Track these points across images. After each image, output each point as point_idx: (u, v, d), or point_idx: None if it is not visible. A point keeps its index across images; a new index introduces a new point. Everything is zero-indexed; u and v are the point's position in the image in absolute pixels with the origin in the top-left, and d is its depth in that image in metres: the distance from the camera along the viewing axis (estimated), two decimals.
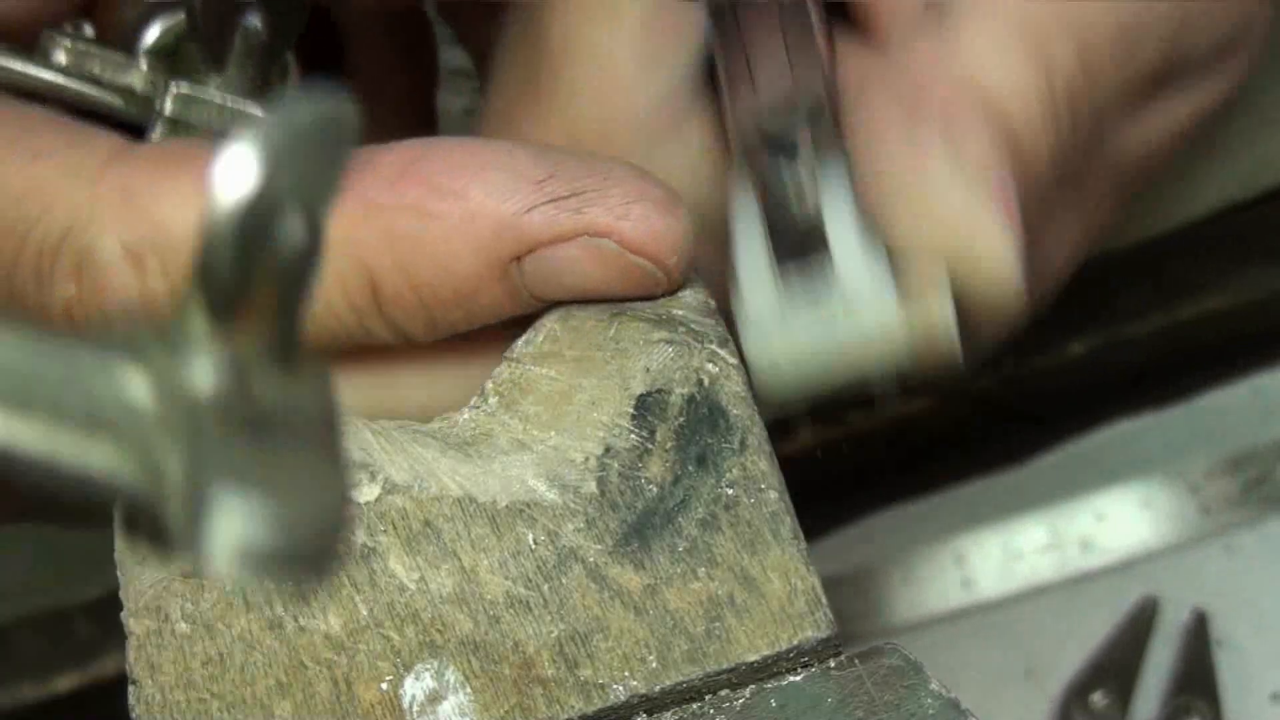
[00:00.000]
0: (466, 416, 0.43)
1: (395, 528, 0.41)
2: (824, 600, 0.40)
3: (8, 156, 0.43)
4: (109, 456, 0.27)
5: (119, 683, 0.41)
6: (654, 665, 0.40)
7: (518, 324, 0.44)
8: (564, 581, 0.41)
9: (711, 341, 0.43)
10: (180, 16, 0.48)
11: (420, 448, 0.42)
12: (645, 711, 0.39)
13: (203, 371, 0.27)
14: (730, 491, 0.41)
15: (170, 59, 0.49)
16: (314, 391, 0.29)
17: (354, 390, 0.44)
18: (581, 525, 0.41)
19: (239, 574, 0.26)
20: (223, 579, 0.39)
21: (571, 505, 0.41)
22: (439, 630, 0.40)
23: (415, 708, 0.40)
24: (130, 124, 0.48)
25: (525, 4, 0.47)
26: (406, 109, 0.59)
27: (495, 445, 0.43)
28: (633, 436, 0.42)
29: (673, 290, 0.44)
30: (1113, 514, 0.78)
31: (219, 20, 0.47)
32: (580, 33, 0.45)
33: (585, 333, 0.43)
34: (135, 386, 0.27)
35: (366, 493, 0.42)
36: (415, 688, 0.40)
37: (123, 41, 0.49)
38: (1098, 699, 0.73)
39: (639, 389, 0.43)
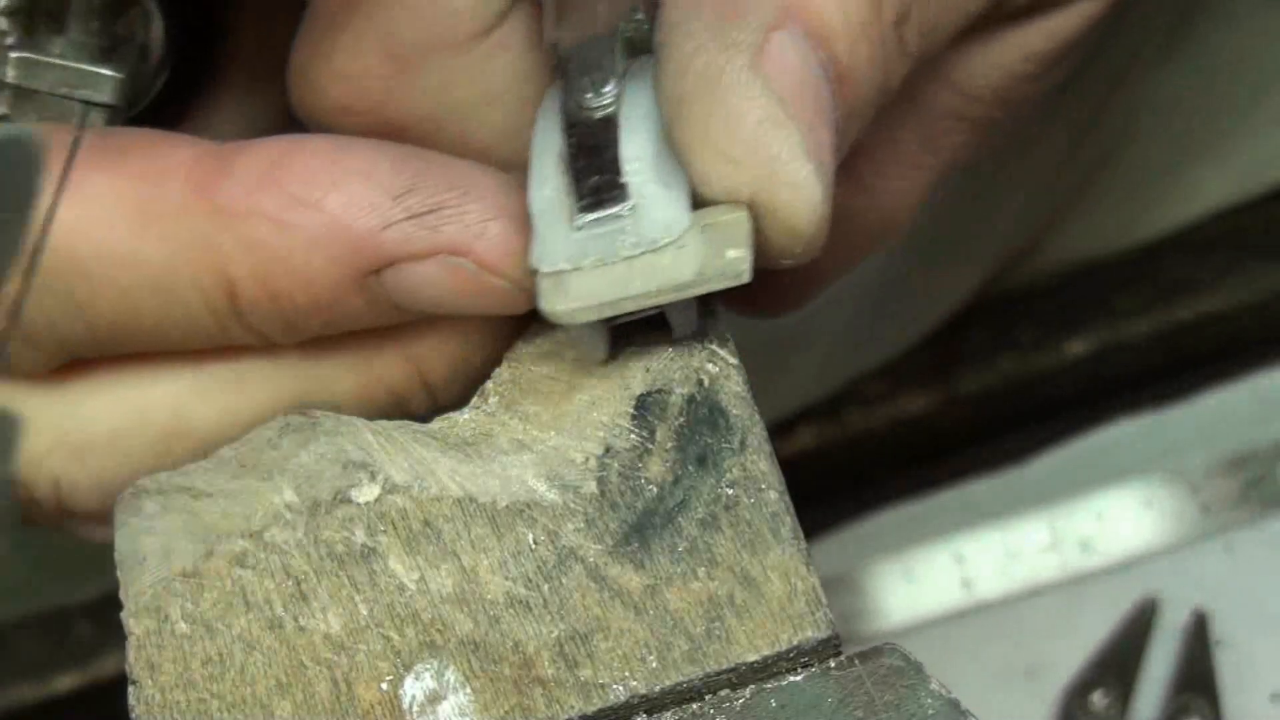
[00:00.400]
0: (467, 416, 0.43)
1: (395, 528, 0.41)
2: (824, 600, 0.40)
3: None
4: None
5: (119, 683, 0.41)
6: (654, 665, 0.40)
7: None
8: (564, 581, 0.41)
9: (711, 341, 0.43)
10: None
11: (420, 448, 0.42)
12: (645, 711, 0.39)
13: None
14: (730, 491, 0.41)
15: (27, 20, 0.45)
16: None
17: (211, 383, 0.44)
18: (581, 525, 0.41)
19: None
20: None
21: (571, 505, 0.41)
22: (439, 630, 0.40)
23: (415, 708, 0.40)
24: None
25: None
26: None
27: (495, 445, 0.43)
28: (633, 436, 0.42)
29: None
30: (1113, 514, 0.78)
31: None
32: None
33: None
34: None
35: (366, 493, 0.42)
36: (415, 688, 0.40)
37: None
38: (1098, 699, 0.73)
39: (639, 389, 0.43)
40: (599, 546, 0.41)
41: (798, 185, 0.39)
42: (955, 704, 0.38)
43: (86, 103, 0.45)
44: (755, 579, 0.40)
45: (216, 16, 0.50)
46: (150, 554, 0.42)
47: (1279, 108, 0.85)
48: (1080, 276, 0.85)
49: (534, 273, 0.40)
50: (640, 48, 0.42)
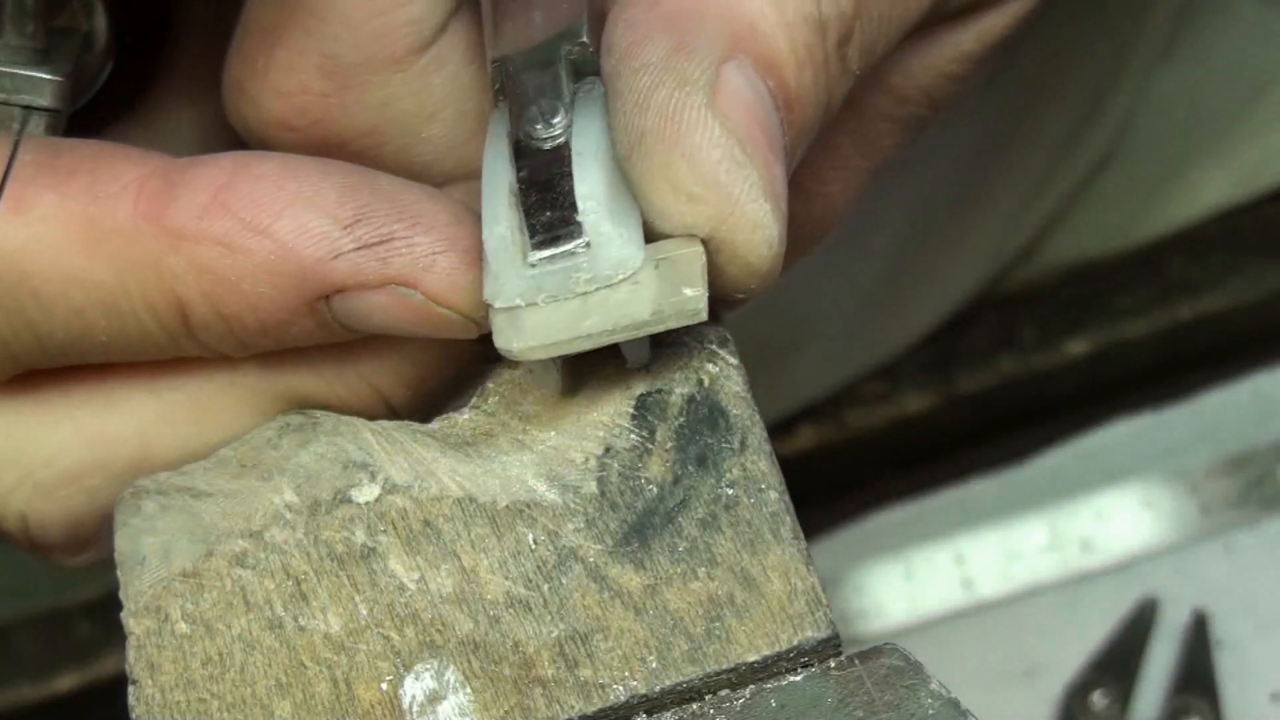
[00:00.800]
0: (467, 416, 0.43)
1: (395, 528, 0.41)
2: (824, 600, 0.40)
3: None
4: None
5: (119, 683, 0.40)
6: (654, 665, 0.40)
7: None
8: (564, 581, 0.41)
9: (711, 341, 0.43)
10: None
11: (420, 448, 0.42)
12: (645, 711, 0.39)
13: None
14: (730, 491, 0.41)
15: None
16: None
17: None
18: (581, 525, 0.41)
19: None
20: None
21: (571, 505, 0.41)
22: (439, 630, 0.40)
23: (415, 708, 0.40)
24: None
25: None
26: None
27: (495, 445, 0.43)
28: (633, 436, 0.42)
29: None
30: (1113, 514, 0.78)
31: None
32: None
33: None
34: None
35: (366, 493, 0.42)
36: (415, 688, 0.40)
37: None
38: (1098, 699, 0.73)
39: (639, 389, 0.43)
40: (599, 546, 0.41)
41: (757, 224, 0.40)
42: (955, 704, 0.38)
43: (26, 108, 0.44)
44: (755, 579, 0.40)
45: (162, 6, 0.50)
46: (150, 554, 0.42)
47: (1279, 108, 0.85)
48: (1080, 276, 0.85)
49: (489, 308, 0.40)
50: (584, 70, 0.42)
